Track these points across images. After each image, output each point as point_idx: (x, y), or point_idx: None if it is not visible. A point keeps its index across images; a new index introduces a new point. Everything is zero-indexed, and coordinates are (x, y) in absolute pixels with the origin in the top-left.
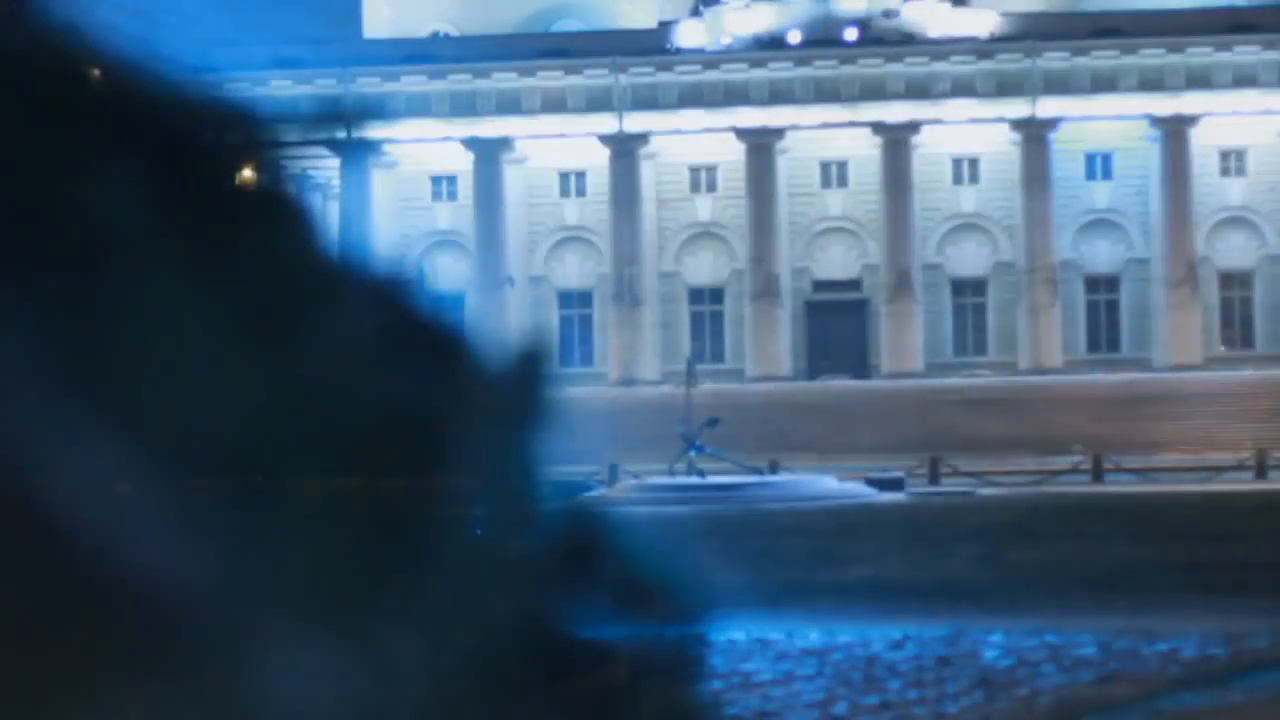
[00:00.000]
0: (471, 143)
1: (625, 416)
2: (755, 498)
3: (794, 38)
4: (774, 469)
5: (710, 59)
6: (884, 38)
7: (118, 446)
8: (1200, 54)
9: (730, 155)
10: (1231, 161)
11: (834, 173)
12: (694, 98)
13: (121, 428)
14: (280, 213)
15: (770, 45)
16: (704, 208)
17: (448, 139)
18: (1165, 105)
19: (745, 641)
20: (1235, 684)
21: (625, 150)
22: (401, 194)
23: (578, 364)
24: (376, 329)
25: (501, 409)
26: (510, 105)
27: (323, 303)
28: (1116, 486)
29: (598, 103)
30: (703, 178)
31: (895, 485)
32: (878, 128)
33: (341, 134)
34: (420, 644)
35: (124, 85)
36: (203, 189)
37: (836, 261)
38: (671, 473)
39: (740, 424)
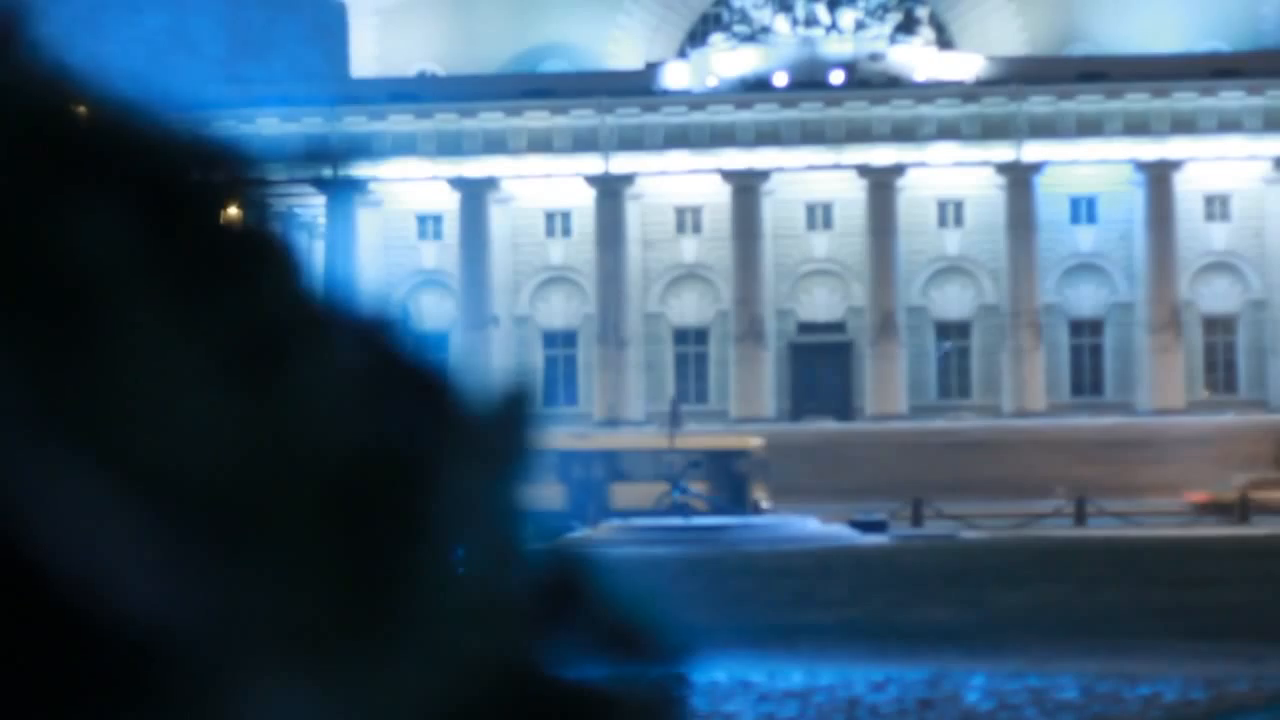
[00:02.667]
0: (457, 182)
1: None
2: (738, 539)
3: (780, 80)
4: (757, 510)
5: (696, 100)
6: (870, 81)
7: (99, 485)
8: (1185, 99)
9: (716, 196)
10: (1216, 206)
11: (819, 215)
12: (680, 139)
13: (103, 467)
14: (265, 251)
15: (756, 87)
16: (689, 249)
17: (434, 178)
18: (1150, 150)
19: (728, 683)
20: None
21: (611, 191)
22: (387, 233)
23: (562, 404)
24: (360, 368)
25: (485, 449)
26: (496, 145)
27: (307, 342)
28: (1099, 530)
29: (584, 143)
30: (688, 219)
31: (878, 528)
32: (863, 170)
33: (328, 173)
34: (402, 685)
35: (110, 123)
36: (188, 227)
37: (821, 303)
38: (655, 513)
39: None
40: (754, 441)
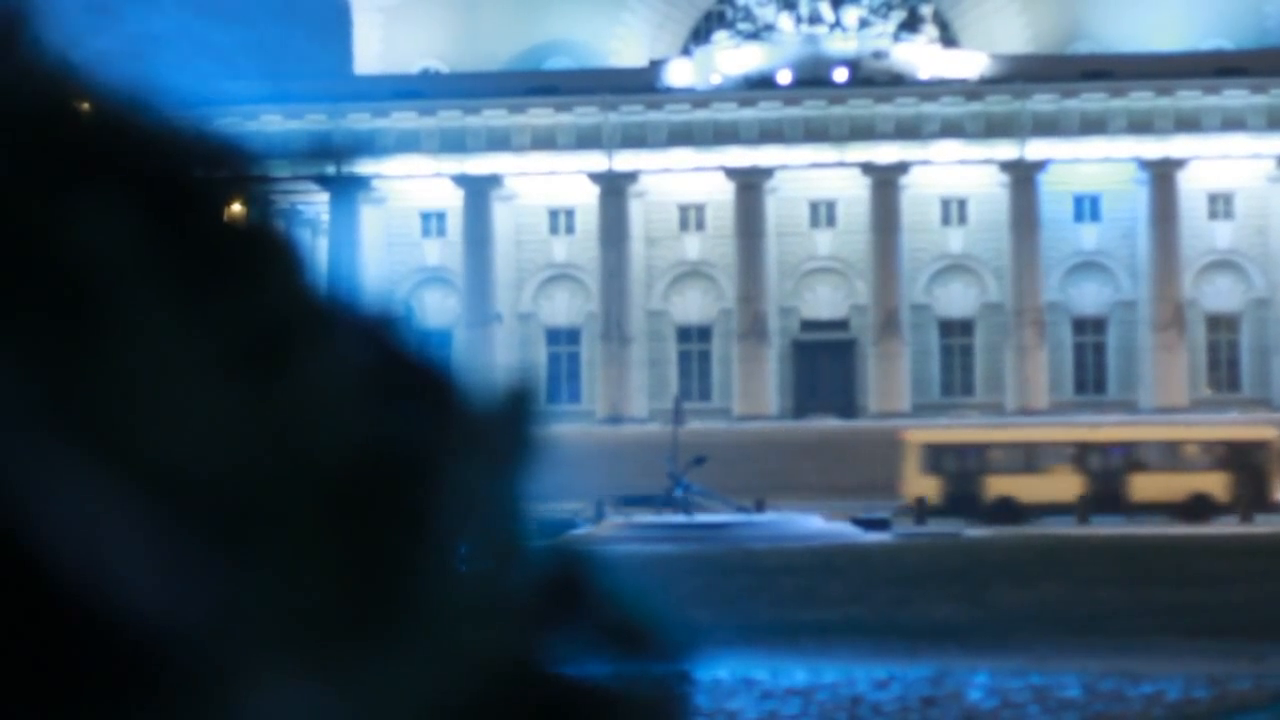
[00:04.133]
0: (461, 180)
1: (612, 454)
2: (741, 537)
3: (784, 78)
4: (760, 508)
5: (700, 98)
6: (874, 79)
7: (103, 482)
8: (1189, 97)
9: (719, 194)
10: (1219, 205)
11: (823, 213)
12: (684, 137)
13: (107, 464)
14: (268, 248)
15: (760, 85)
16: (692, 246)
17: (437, 175)
18: (1154, 148)
19: (730, 680)
20: None
21: (614, 188)
22: (390, 230)
23: (565, 401)
24: (364, 366)
25: (489, 446)
26: (500, 142)
27: (310, 339)
28: (1102, 528)
29: (587, 141)
30: (691, 216)
31: (881, 525)
32: (867, 168)
33: (331, 170)
34: (405, 682)
35: (113, 119)
36: (191, 224)
37: (824, 301)
38: (658, 511)
39: (727, 463)
40: (1273, 433)
